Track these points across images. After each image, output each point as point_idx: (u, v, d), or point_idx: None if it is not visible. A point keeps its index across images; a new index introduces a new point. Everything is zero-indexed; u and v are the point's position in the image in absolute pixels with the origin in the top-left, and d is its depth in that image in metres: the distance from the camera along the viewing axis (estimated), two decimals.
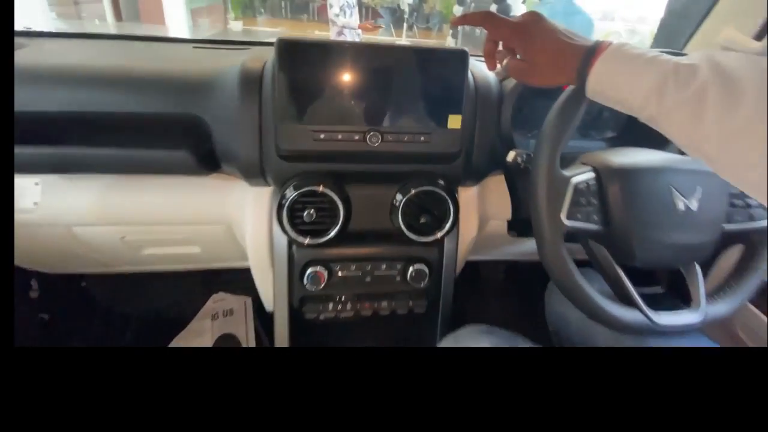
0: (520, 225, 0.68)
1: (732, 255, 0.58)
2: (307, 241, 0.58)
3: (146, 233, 0.72)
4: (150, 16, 7.25)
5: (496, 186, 0.70)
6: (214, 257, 0.83)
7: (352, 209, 0.59)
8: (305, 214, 0.56)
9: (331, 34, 2.55)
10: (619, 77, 0.39)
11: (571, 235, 0.52)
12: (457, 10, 4.56)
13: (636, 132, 0.70)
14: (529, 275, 1.15)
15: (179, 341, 1.05)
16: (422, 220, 0.59)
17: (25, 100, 0.55)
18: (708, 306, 0.51)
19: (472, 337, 0.54)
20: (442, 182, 0.59)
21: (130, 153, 0.58)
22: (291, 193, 0.56)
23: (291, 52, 0.52)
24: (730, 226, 0.52)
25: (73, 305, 1.00)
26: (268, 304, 0.80)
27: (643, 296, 0.50)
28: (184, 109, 0.57)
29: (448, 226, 0.60)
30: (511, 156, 0.58)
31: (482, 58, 0.51)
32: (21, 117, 0.54)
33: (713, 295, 0.54)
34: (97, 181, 0.66)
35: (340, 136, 0.55)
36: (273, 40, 0.72)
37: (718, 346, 0.55)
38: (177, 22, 7.04)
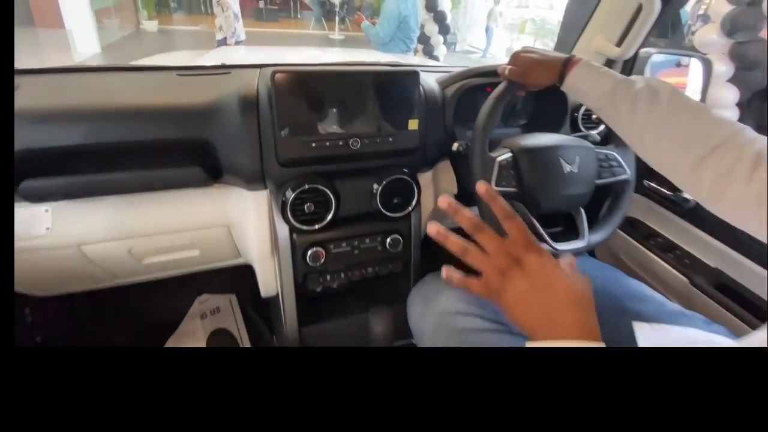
0: (465, 197, 0.88)
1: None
2: (307, 228, 0.72)
3: (152, 243, 0.79)
4: (45, 20, 6.53)
5: (445, 169, 0.89)
6: (211, 258, 0.92)
7: (341, 199, 0.74)
8: (305, 206, 0.70)
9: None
10: (587, 79, 0.59)
11: None
12: None
13: (538, 120, 0.93)
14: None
15: (172, 343, 1.13)
16: (395, 201, 0.76)
17: (36, 137, 0.61)
18: (590, 236, 0.74)
19: (433, 280, 0.72)
20: (406, 170, 0.76)
21: (147, 174, 0.68)
22: (291, 192, 0.68)
23: (284, 81, 0.64)
24: (600, 181, 0.75)
25: (63, 326, 1.03)
26: (267, 289, 0.91)
27: (549, 234, 0.72)
28: (193, 134, 0.68)
29: (413, 203, 0.77)
30: (455, 146, 0.77)
31: (429, 71, 0.69)
32: (32, 153, 0.61)
33: (593, 228, 0.77)
34: (105, 201, 0.72)
35: (328, 143, 0.69)
36: (252, 63, 0.84)
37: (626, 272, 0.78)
38: (79, 25, 6.34)
